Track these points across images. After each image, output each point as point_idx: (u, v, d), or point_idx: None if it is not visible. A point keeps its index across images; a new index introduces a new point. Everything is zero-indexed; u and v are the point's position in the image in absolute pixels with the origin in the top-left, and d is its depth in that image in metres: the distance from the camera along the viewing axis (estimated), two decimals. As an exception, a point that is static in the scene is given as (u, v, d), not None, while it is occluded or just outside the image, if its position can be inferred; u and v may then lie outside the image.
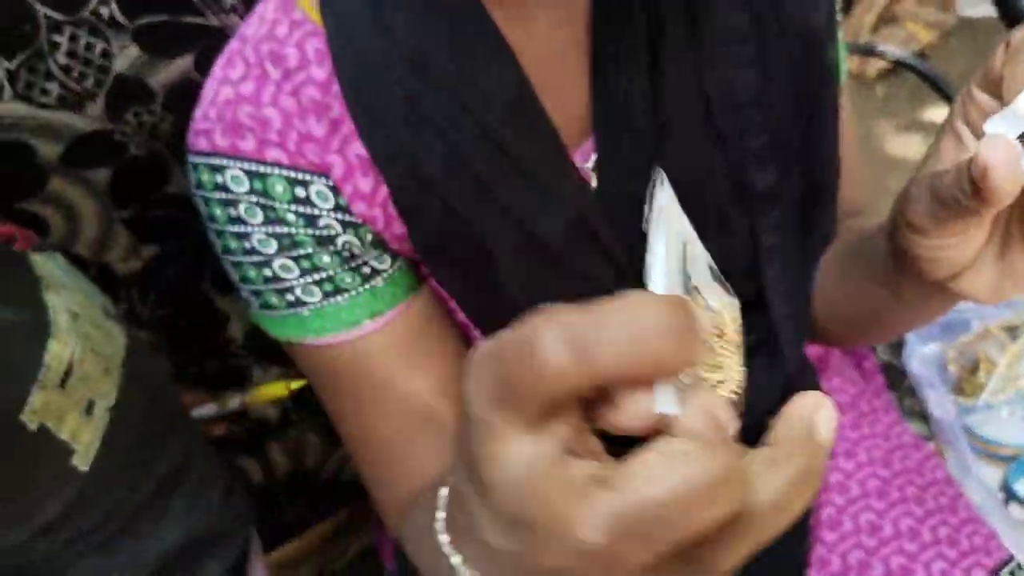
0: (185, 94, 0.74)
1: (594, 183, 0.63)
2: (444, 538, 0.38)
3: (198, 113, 0.59)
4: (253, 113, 0.57)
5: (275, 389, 0.96)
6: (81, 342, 0.60)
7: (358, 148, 0.58)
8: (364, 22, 0.56)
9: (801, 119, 0.66)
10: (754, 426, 0.74)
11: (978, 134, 0.46)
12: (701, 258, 0.60)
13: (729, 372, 0.51)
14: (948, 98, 1.24)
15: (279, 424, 0.99)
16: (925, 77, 1.26)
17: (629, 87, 0.61)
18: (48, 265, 0.64)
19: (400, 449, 0.67)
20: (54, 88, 0.67)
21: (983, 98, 0.47)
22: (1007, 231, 0.48)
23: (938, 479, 0.89)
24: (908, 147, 2.06)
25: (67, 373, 0.58)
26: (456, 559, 0.36)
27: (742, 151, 0.64)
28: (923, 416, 1.05)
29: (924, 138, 2.10)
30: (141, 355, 0.67)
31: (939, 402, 1.00)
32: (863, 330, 0.76)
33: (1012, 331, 1.06)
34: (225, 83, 0.58)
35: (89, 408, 0.60)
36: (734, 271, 0.69)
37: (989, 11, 2.38)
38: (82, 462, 0.59)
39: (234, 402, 0.95)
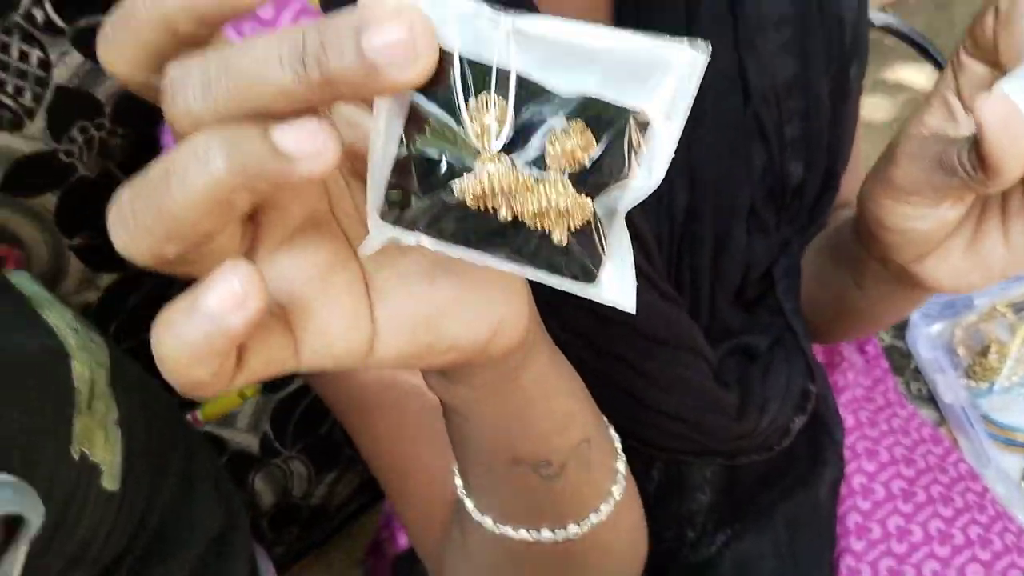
0: (138, 102, 0.65)
1: None
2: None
3: None
4: None
5: (227, 402, 0.89)
6: (89, 357, 0.55)
7: None
8: None
9: (831, 106, 0.62)
10: (778, 430, 0.71)
11: (969, 105, 0.45)
12: None
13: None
14: (925, 54, 1.19)
15: (261, 454, 0.91)
16: (896, 34, 1.21)
17: None
18: (24, 282, 0.57)
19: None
20: (-15, 106, 0.58)
21: (976, 66, 0.44)
22: (983, 217, 0.46)
23: (962, 474, 0.85)
24: (875, 110, 2.03)
25: (91, 393, 0.54)
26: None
27: (781, 142, 0.59)
28: (930, 400, 1.02)
29: (889, 99, 2.07)
30: (122, 359, 0.61)
31: (950, 387, 0.97)
32: (830, 324, 0.74)
33: (1019, 310, 1.02)
34: None
35: (106, 425, 0.56)
36: (756, 272, 0.65)
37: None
38: (111, 483, 0.54)
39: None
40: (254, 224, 0.29)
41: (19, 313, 0.55)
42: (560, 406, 0.43)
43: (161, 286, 0.77)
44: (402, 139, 0.26)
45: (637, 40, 0.24)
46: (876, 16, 1.11)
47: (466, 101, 0.25)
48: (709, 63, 0.24)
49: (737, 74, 0.58)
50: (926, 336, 1.02)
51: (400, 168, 0.26)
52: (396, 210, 0.26)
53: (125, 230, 0.25)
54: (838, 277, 0.65)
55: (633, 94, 0.25)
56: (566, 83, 0.25)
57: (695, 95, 0.25)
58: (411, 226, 0.26)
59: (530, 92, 0.25)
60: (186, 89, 0.24)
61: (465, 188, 0.25)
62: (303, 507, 0.96)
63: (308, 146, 0.24)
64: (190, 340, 0.24)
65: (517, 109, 0.25)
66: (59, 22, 0.58)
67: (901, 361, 1.05)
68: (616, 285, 0.27)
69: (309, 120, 0.24)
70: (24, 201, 0.65)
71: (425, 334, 0.32)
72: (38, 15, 0.57)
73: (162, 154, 0.25)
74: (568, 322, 0.58)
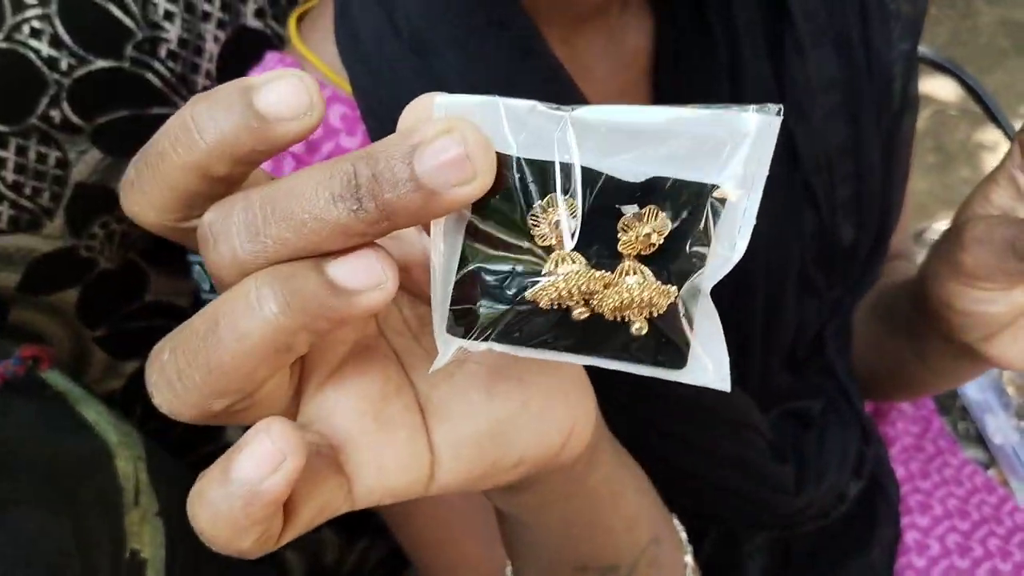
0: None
1: None
2: None
3: None
4: None
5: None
6: (130, 452, 0.53)
7: None
8: (407, 73, 0.47)
9: (883, 164, 0.60)
10: (834, 497, 0.68)
11: None
12: None
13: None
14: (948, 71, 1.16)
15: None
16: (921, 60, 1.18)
17: None
18: (59, 380, 0.56)
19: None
20: (3, 210, 0.56)
21: None
22: None
23: (1019, 524, 0.82)
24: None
25: (136, 489, 0.53)
26: None
27: (832, 205, 0.57)
28: (979, 440, 0.99)
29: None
30: (155, 449, 0.60)
31: (1000, 428, 0.93)
32: (884, 387, 0.71)
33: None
34: None
35: (150, 518, 0.54)
36: (807, 333, 0.63)
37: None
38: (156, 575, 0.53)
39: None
40: (300, 359, 0.27)
41: (64, 414, 0.53)
42: (628, 505, 0.40)
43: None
44: (464, 253, 0.24)
45: (703, 114, 0.23)
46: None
47: (530, 203, 0.24)
48: None
49: (784, 140, 0.56)
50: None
51: (465, 282, 0.24)
52: (463, 324, 0.25)
53: (170, 390, 0.23)
54: (894, 344, 0.63)
55: (706, 169, 0.23)
56: (632, 167, 0.23)
57: (771, 155, 0.23)
58: (480, 336, 0.25)
59: (596, 182, 0.23)
60: (230, 235, 0.23)
61: (538, 295, 0.24)
62: (337, 577, 0.94)
63: (367, 279, 0.22)
64: (227, 512, 0.22)
65: (585, 202, 0.24)
66: (76, 120, 0.56)
67: (947, 400, 1.02)
68: (708, 366, 0.26)
69: (364, 252, 0.23)
70: (44, 298, 0.63)
71: (490, 451, 0.29)
72: (55, 115, 0.55)
73: (192, 274, 0.23)
74: (614, 398, 0.56)
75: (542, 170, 0.23)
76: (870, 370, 0.70)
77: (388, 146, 0.22)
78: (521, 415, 0.30)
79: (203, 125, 0.22)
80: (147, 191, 0.24)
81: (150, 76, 0.57)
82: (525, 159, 0.23)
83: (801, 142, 0.56)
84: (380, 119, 0.49)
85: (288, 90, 0.22)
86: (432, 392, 0.29)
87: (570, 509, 0.37)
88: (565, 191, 0.23)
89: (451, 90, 0.46)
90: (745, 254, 0.24)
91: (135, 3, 0.55)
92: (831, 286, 0.63)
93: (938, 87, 2.07)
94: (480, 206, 0.24)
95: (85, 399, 0.56)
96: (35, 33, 0.52)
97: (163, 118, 0.60)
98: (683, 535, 0.46)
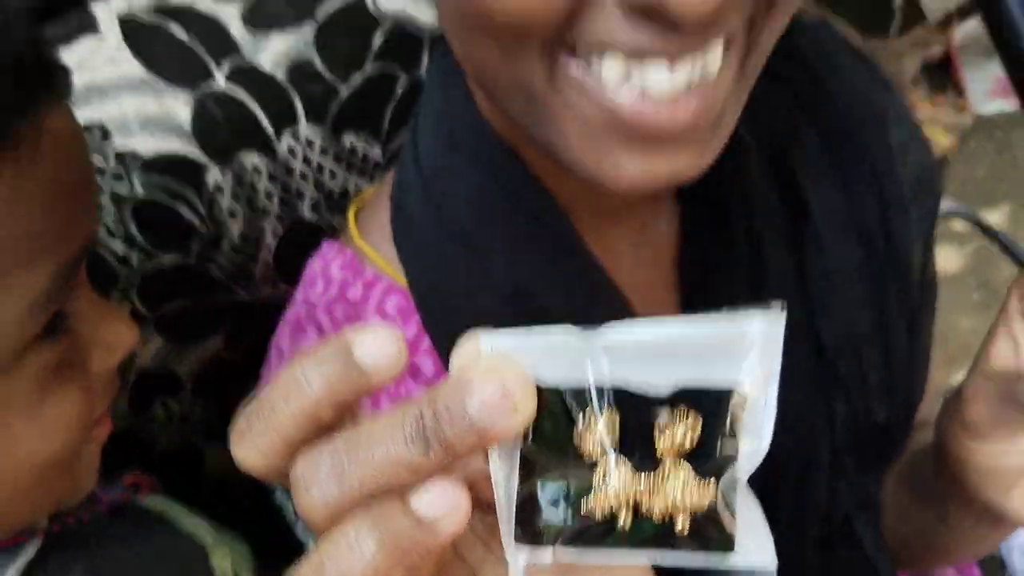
0: (216, 375, 0.67)
1: None
2: None
3: None
4: None
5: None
6: (229, 551, 0.57)
7: None
8: (457, 268, 0.50)
9: (909, 346, 0.60)
10: None
11: None
12: None
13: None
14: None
15: None
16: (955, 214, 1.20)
17: None
18: (153, 501, 0.59)
19: None
20: (71, 396, 0.59)
21: None
22: None
23: None
24: (945, 261, 1.99)
25: None
26: None
27: (865, 392, 0.57)
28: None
29: (958, 248, 2.03)
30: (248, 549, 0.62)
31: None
32: (915, 556, 0.69)
33: None
34: None
35: None
36: (837, 515, 0.62)
37: (1004, 107, 2.37)
38: None
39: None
40: None
41: (162, 530, 0.57)
42: None
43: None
44: (520, 474, 0.27)
45: (714, 324, 0.26)
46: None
47: (574, 423, 0.27)
48: None
49: (807, 329, 0.57)
50: (1021, 544, 0.95)
51: (525, 500, 0.27)
52: (529, 537, 0.27)
53: None
54: (920, 513, 0.62)
55: (725, 372, 0.26)
56: (661, 378, 0.27)
57: (782, 354, 0.26)
58: (546, 546, 0.28)
59: (629, 396, 0.27)
60: (319, 482, 0.26)
61: (592, 508, 0.27)
62: None
63: (444, 507, 0.25)
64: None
65: (622, 416, 0.27)
66: (142, 310, 0.59)
67: (996, 571, 0.98)
68: (754, 551, 0.28)
69: (439, 482, 0.25)
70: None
71: None
72: (124, 307, 0.59)
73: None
74: None
75: (580, 392, 0.27)
76: (900, 540, 0.69)
77: (446, 391, 0.25)
78: None
79: (312, 379, 0.26)
80: (258, 440, 0.27)
81: (213, 268, 0.61)
82: (564, 387, 0.27)
83: (825, 334, 0.57)
84: (432, 311, 0.51)
85: (382, 343, 0.26)
86: None
87: None
88: (603, 407, 0.27)
89: (499, 284, 0.49)
90: (773, 443, 0.27)
91: (202, 203, 0.59)
92: (863, 469, 0.62)
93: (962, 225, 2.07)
94: (530, 430, 0.27)
95: (183, 514, 0.59)
96: (110, 233, 0.57)
97: (223, 307, 0.63)
98: None
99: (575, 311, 0.50)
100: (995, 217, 2.08)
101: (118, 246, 0.57)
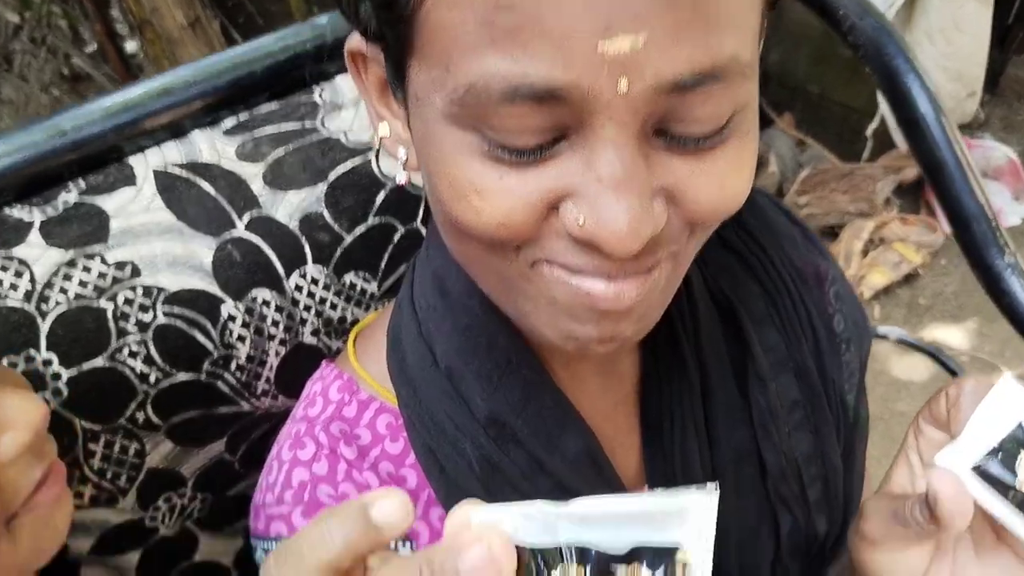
0: (217, 474, 0.75)
1: None
2: None
3: (268, 497, 0.60)
4: (331, 492, 0.58)
5: None
6: None
7: (439, 511, 0.59)
8: (443, 395, 0.59)
9: (845, 466, 0.68)
10: None
11: (927, 464, 0.52)
12: None
13: None
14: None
15: None
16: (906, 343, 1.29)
17: (682, 447, 0.63)
18: None
19: None
20: (87, 490, 0.68)
21: (932, 432, 0.52)
22: (957, 558, 0.51)
23: None
24: (913, 369, 2.09)
25: None
26: None
27: (806, 506, 0.65)
28: None
29: (925, 358, 2.13)
30: None
31: None
32: None
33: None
34: (297, 465, 0.59)
35: None
36: None
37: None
38: None
39: None
40: None
41: None
42: None
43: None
44: None
45: (662, 497, 0.33)
46: (889, 330, 1.20)
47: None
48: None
49: (754, 451, 0.64)
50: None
51: None
52: None
53: None
54: None
55: (672, 533, 0.33)
56: (619, 538, 0.33)
57: (715, 519, 0.33)
58: None
59: (593, 555, 0.33)
60: None
61: None
62: None
63: None
64: None
65: (586, 570, 0.33)
66: (156, 420, 0.68)
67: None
68: None
69: None
70: (110, 559, 0.73)
71: None
72: (140, 417, 0.67)
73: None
74: None
75: (551, 553, 0.33)
76: None
77: (442, 553, 0.32)
78: None
79: (335, 535, 0.33)
80: None
81: (220, 384, 0.70)
82: (539, 549, 0.33)
83: (768, 456, 0.65)
84: (418, 430, 0.59)
85: (394, 505, 0.33)
86: None
87: None
88: (571, 563, 0.33)
89: (477, 412, 0.58)
90: (720, 553, 0.35)
91: (215, 329, 0.68)
92: (803, 573, 0.70)
93: (946, 334, 2.17)
94: None
95: None
96: (132, 354, 0.66)
97: (227, 416, 0.72)
98: None
99: (543, 438, 0.58)
100: (962, 330, 2.18)
101: (138, 366, 0.66)
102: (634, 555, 0.33)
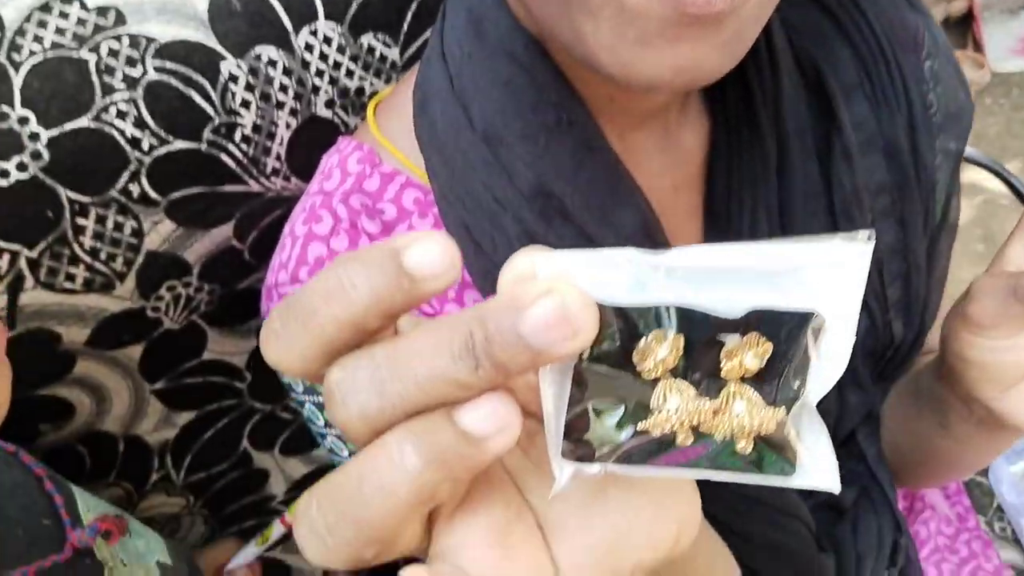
0: (224, 263, 0.68)
1: None
2: None
3: (281, 276, 0.53)
4: None
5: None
6: None
7: (474, 294, 0.53)
8: (480, 163, 0.50)
9: (927, 266, 0.62)
10: None
11: None
12: None
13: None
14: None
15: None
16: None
17: (751, 236, 0.56)
18: (104, 552, 0.59)
19: None
20: (79, 272, 0.61)
21: None
22: None
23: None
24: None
25: None
26: None
27: (884, 305, 0.60)
28: (1015, 542, 0.97)
29: (966, 200, 2.02)
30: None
31: (1037, 533, 0.92)
32: (914, 469, 0.72)
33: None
34: (313, 239, 0.52)
35: None
36: (847, 425, 0.65)
37: (1022, 65, 2.33)
38: None
39: (277, 531, 0.86)
40: None
41: None
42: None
43: (235, 424, 0.79)
44: (573, 392, 0.26)
45: (794, 248, 0.24)
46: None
47: (635, 344, 0.25)
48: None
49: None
50: (1009, 476, 0.98)
51: (576, 420, 0.26)
52: (578, 453, 0.26)
53: (321, 545, 0.25)
54: (922, 422, 0.64)
55: (801, 297, 0.24)
56: (730, 301, 0.25)
57: (865, 280, 0.24)
58: (594, 461, 0.27)
59: (696, 319, 0.25)
60: (357, 393, 0.24)
61: (650, 427, 0.26)
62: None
63: (494, 424, 0.24)
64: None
65: (687, 337, 0.25)
66: (153, 195, 0.60)
67: (984, 499, 1.01)
68: (816, 470, 0.27)
69: (489, 398, 0.24)
70: (109, 353, 0.67)
71: (608, 560, 0.30)
72: (134, 189, 0.59)
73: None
74: None
75: (643, 314, 0.25)
76: (900, 453, 0.71)
77: (497, 309, 0.23)
78: (635, 524, 0.30)
79: (358, 284, 0.24)
80: (294, 344, 0.25)
81: (224, 157, 0.61)
82: (627, 308, 0.25)
83: None
84: (451, 203, 0.52)
85: (434, 250, 0.24)
86: (549, 510, 0.30)
87: None
88: (666, 328, 0.25)
89: (520, 180, 0.49)
90: None
91: (215, 91, 0.59)
92: (877, 380, 0.64)
93: (986, 177, 2.06)
94: (586, 348, 0.25)
95: (119, 569, 0.59)
96: (121, 115, 0.57)
97: (234, 196, 0.64)
98: None
99: (596, 211, 0.51)
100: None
101: (128, 128, 0.58)
102: (751, 321, 0.25)
